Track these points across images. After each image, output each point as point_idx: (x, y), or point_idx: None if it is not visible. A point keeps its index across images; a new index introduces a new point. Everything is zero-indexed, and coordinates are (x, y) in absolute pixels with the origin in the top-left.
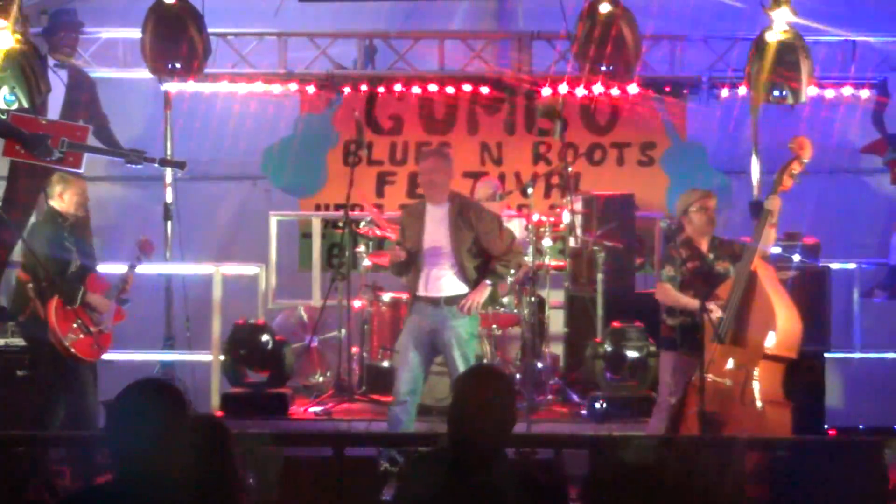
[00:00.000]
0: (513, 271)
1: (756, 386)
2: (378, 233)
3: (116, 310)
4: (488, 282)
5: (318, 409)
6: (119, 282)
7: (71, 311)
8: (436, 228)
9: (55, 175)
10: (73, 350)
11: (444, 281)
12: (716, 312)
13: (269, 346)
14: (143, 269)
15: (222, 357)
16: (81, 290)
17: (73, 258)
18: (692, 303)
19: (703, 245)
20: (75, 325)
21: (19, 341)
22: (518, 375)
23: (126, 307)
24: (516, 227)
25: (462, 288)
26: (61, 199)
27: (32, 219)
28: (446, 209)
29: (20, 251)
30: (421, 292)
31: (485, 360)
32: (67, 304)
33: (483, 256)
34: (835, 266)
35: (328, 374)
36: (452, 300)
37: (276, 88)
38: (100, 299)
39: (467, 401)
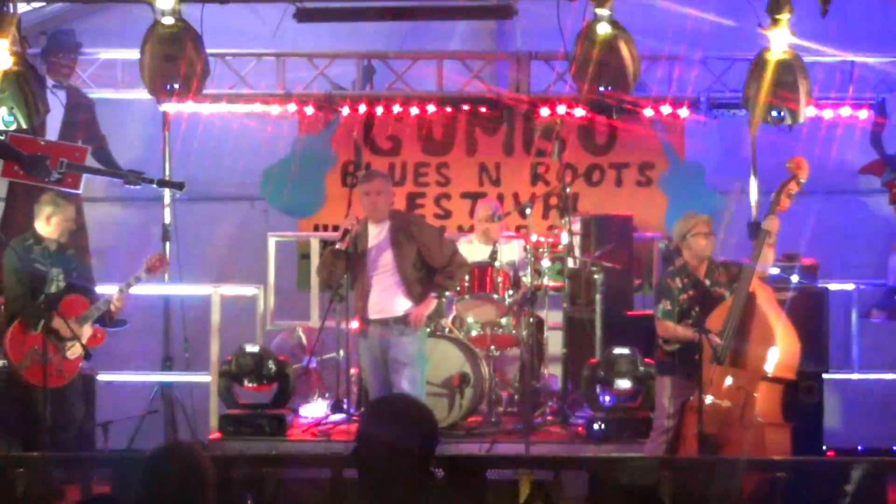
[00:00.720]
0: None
1: (755, 407)
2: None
3: (93, 332)
4: (433, 294)
5: (316, 430)
6: (102, 304)
7: (31, 335)
8: (378, 247)
9: (46, 196)
10: (24, 376)
11: (391, 300)
12: (716, 341)
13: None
14: (142, 289)
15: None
16: (46, 315)
17: (46, 281)
18: (693, 335)
19: (701, 270)
20: (30, 351)
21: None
22: (517, 396)
23: (123, 327)
24: (515, 247)
25: (408, 305)
26: (47, 222)
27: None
28: (387, 227)
29: None
30: (370, 315)
31: (483, 382)
32: (30, 329)
33: (427, 270)
34: (833, 287)
35: (327, 395)
36: (400, 319)
37: (275, 109)
38: (68, 325)
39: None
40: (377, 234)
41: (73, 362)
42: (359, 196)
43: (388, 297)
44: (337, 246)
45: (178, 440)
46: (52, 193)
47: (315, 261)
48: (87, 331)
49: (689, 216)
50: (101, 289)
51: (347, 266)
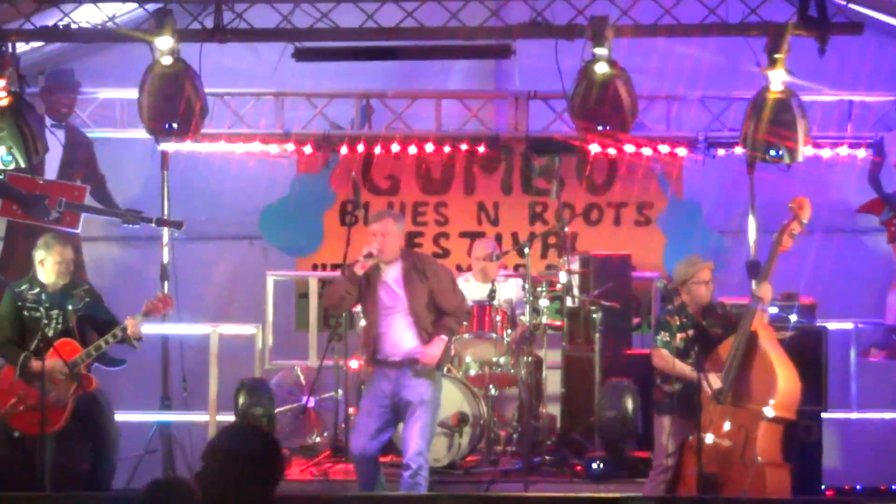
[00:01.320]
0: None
1: (756, 447)
2: None
3: (83, 380)
4: (444, 336)
5: (315, 469)
6: (92, 349)
7: (17, 382)
8: (390, 287)
9: (40, 239)
10: (10, 424)
11: (403, 341)
12: (716, 383)
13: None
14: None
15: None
16: (26, 362)
17: (39, 326)
18: (690, 372)
19: (699, 312)
20: (16, 398)
21: None
22: (515, 436)
23: (121, 367)
24: (513, 286)
25: (419, 346)
26: (42, 265)
27: None
28: (399, 266)
29: None
30: (381, 356)
31: (482, 421)
32: (15, 374)
33: (437, 313)
34: (832, 326)
35: (325, 434)
36: (415, 361)
37: (273, 148)
38: (53, 371)
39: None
40: (389, 273)
41: (61, 411)
42: (368, 235)
43: (400, 339)
44: (357, 269)
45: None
46: (45, 236)
47: (314, 300)
48: (77, 377)
49: (692, 262)
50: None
51: (357, 299)
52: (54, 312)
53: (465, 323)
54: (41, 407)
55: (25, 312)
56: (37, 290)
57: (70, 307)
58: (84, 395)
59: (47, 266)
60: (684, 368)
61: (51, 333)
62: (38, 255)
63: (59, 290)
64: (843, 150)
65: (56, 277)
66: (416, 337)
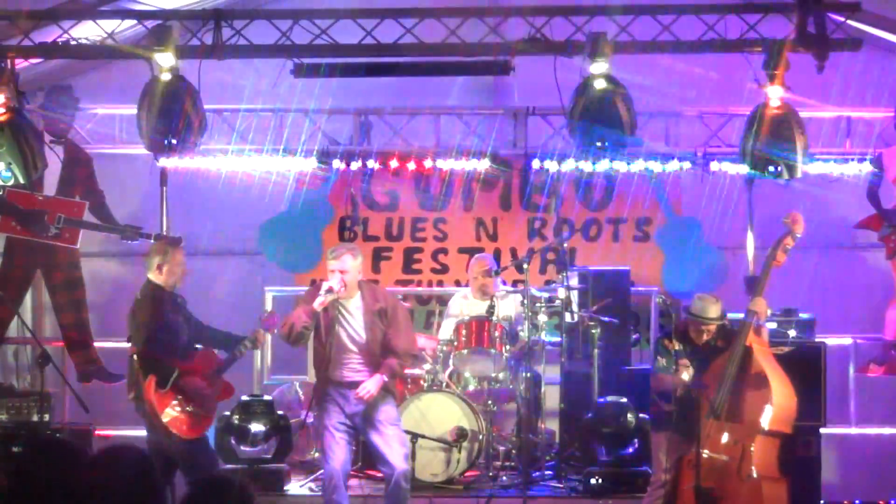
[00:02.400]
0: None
1: (752, 461)
2: None
3: (223, 386)
4: (385, 377)
5: (313, 485)
6: (229, 360)
7: (166, 393)
8: (351, 327)
9: (157, 244)
10: (169, 427)
11: (358, 368)
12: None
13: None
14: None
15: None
16: (174, 373)
17: (177, 336)
18: (679, 379)
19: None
20: (175, 402)
21: (16, 417)
22: (514, 451)
23: (119, 382)
24: (511, 302)
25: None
26: (159, 271)
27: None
28: (359, 301)
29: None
30: (337, 378)
31: (480, 437)
32: (159, 387)
33: (387, 350)
34: (830, 341)
35: None
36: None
37: (272, 164)
38: (196, 383)
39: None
40: (349, 310)
41: (210, 416)
42: (329, 268)
43: (355, 367)
44: (317, 306)
45: (222, 472)
46: (159, 242)
47: None
48: (218, 384)
49: (709, 308)
50: (98, 344)
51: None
52: (180, 318)
53: (411, 367)
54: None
55: (170, 317)
56: (166, 296)
57: (189, 313)
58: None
59: (165, 271)
60: (675, 378)
61: (187, 340)
62: (156, 259)
63: (175, 296)
64: (842, 166)
65: (172, 284)
66: (371, 368)
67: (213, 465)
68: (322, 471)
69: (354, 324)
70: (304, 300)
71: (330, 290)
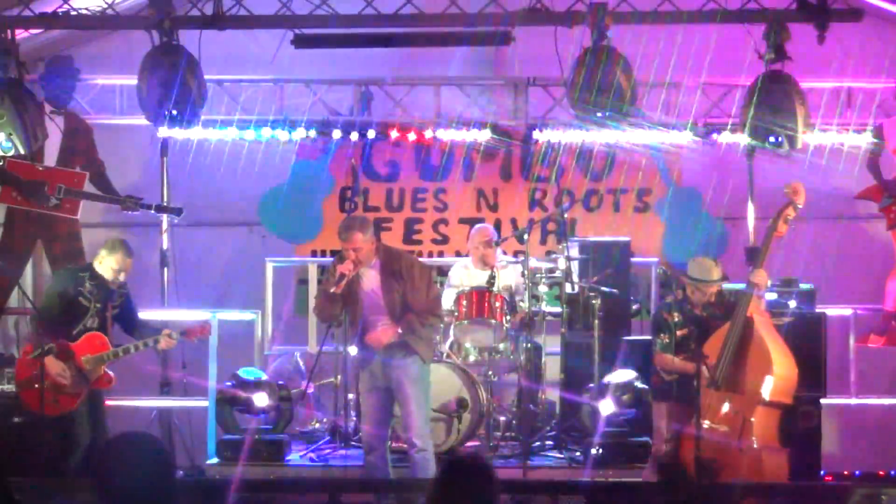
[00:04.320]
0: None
1: (752, 431)
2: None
3: (104, 375)
4: (400, 331)
5: (314, 455)
6: (120, 351)
7: (34, 361)
8: (371, 293)
9: (110, 240)
10: (21, 397)
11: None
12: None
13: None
14: (140, 315)
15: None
16: (47, 348)
17: (85, 315)
18: (689, 366)
19: (699, 307)
20: (31, 376)
21: (13, 387)
22: (514, 421)
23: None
24: (512, 273)
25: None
26: (100, 262)
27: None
28: (376, 270)
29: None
30: (369, 351)
31: (481, 407)
32: (27, 356)
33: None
34: (830, 312)
35: (325, 420)
36: (400, 345)
37: (272, 135)
38: (63, 365)
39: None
40: (367, 278)
41: (73, 398)
42: (343, 248)
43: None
44: (332, 290)
45: (472, 453)
46: (115, 240)
47: (313, 286)
48: (96, 371)
49: (708, 270)
50: None
51: (343, 305)
52: (97, 306)
53: (430, 332)
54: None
55: (82, 299)
56: (95, 282)
57: (109, 303)
58: (98, 390)
59: (104, 265)
60: (686, 366)
61: (93, 325)
62: (101, 252)
63: (108, 287)
64: (843, 137)
65: (111, 278)
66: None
67: (62, 450)
68: (324, 440)
69: (375, 295)
70: (323, 283)
71: (343, 276)
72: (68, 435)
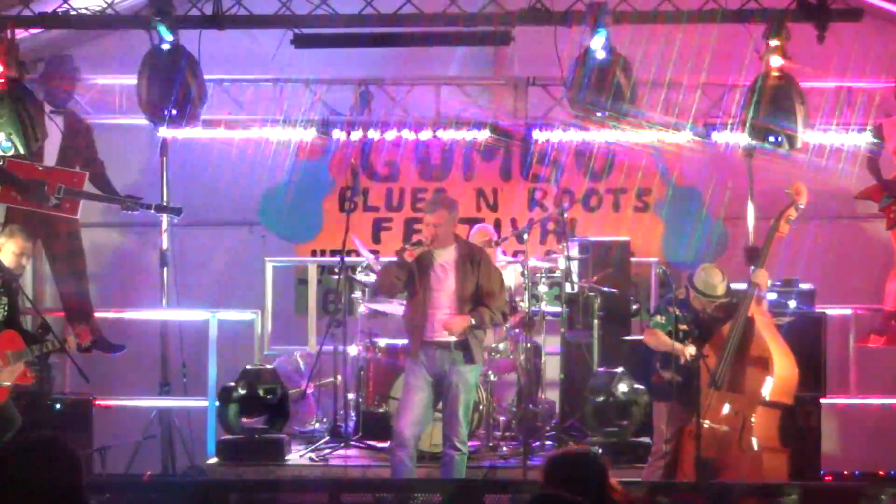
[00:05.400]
0: (498, 324)
1: (753, 431)
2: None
3: (23, 371)
4: (472, 319)
5: (314, 455)
6: (47, 344)
7: None
8: (443, 270)
9: (6, 227)
10: None
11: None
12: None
13: (269, 391)
14: (140, 315)
15: (217, 403)
16: None
17: None
18: (678, 348)
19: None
20: None
21: None
22: (514, 421)
23: (120, 353)
24: (511, 273)
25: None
26: (1, 251)
27: None
28: (453, 254)
29: None
30: (428, 336)
31: (481, 407)
32: None
33: (478, 304)
34: (830, 312)
35: (324, 420)
36: (460, 345)
37: (272, 134)
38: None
39: None
40: (441, 257)
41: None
42: (425, 221)
43: (442, 321)
44: (406, 256)
45: (579, 448)
46: (10, 225)
47: (313, 286)
48: (18, 368)
49: (714, 285)
50: (99, 314)
51: (408, 282)
52: (5, 300)
53: (504, 325)
54: None
55: None
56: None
57: (16, 296)
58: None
59: (6, 253)
60: (674, 345)
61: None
62: (5, 242)
63: (13, 277)
64: (842, 137)
65: (15, 264)
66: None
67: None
68: (324, 440)
69: (446, 273)
70: (398, 252)
71: (419, 242)
72: None
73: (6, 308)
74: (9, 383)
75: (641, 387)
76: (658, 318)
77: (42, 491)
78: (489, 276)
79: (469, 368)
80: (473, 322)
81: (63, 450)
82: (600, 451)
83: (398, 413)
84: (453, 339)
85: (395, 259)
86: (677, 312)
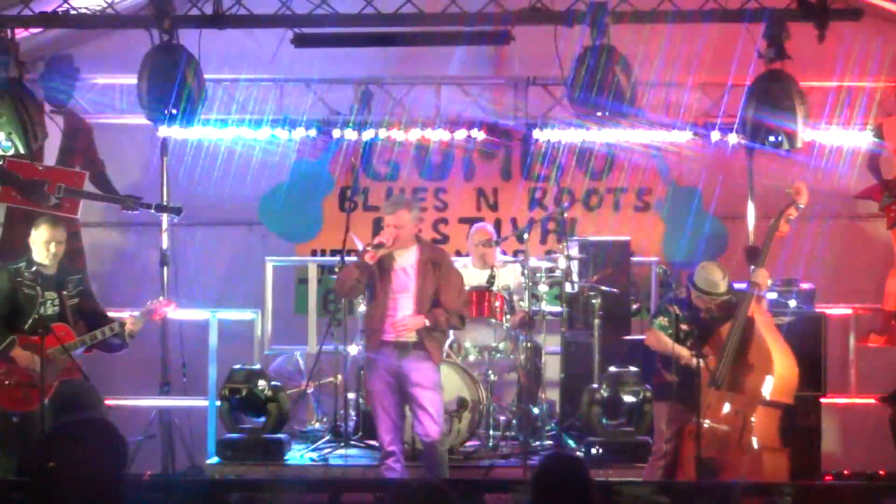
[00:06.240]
0: (451, 328)
1: (753, 431)
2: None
3: (69, 366)
4: (427, 321)
5: (314, 454)
6: (87, 338)
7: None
8: (403, 271)
9: (39, 219)
10: None
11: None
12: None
13: (266, 391)
14: None
15: (218, 402)
16: (6, 343)
17: (35, 304)
18: (683, 351)
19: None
20: (1, 372)
21: None
22: (514, 421)
23: (121, 352)
24: (511, 272)
25: (421, 334)
26: (35, 246)
27: None
28: (414, 255)
29: None
30: (386, 337)
31: (481, 406)
32: None
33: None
34: (831, 311)
35: (324, 419)
36: (418, 345)
37: (272, 134)
38: (30, 357)
39: None
40: (403, 259)
41: (36, 395)
42: (385, 222)
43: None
44: (367, 258)
45: (563, 452)
46: (40, 218)
47: (313, 286)
48: (63, 362)
49: (716, 284)
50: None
51: (366, 286)
52: (50, 294)
53: (456, 327)
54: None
55: (25, 289)
56: (34, 269)
57: (65, 292)
58: (69, 381)
59: (40, 247)
60: (680, 350)
61: (47, 314)
62: (33, 235)
63: (55, 274)
64: (843, 136)
65: (51, 260)
66: (415, 334)
67: (44, 445)
68: (324, 439)
69: (407, 275)
70: (357, 255)
71: (380, 244)
72: (32, 432)
73: (55, 304)
74: (53, 383)
75: (645, 386)
76: (660, 319)
77: (90, 473)
78: (449, 279)
79: (428, 366)
80: (427, 323)
81: (113, 434)
82: (600, 450)
83: (375, 423)
84: (412, 339)
85: (354, 260)
86: (678, 312)
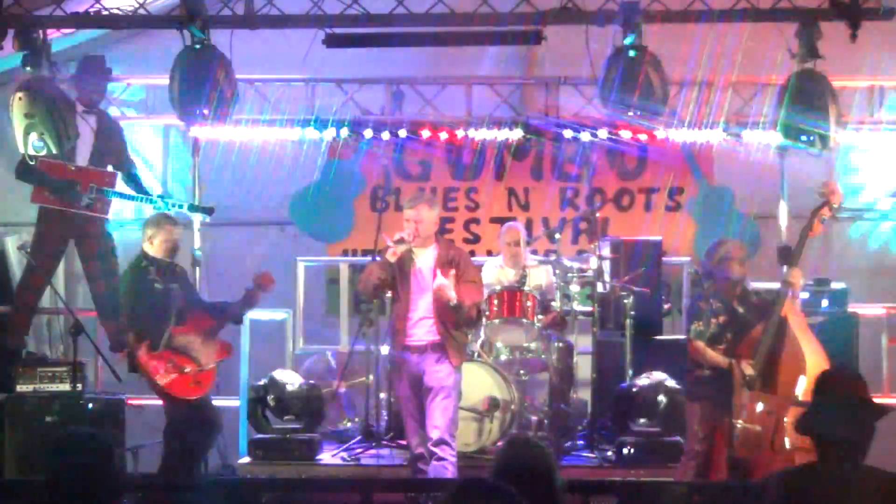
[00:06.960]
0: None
1: (786, 432)
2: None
3: (220, 346)
4: (454, 300)
5: (345, 454)
6: (231, 313)
7: (163, 353)
8: (421, 270)
9: (152, 217)
10: (166, 389)
11: (427, 326)
12: (748, 369)
13: (298, 391)
14: None
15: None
16: (165, 334)
17: (171, 298)
18: (723, 361)
19: (733, 296)
20: (169, 365)
21: (49, 387)
22: (546, 421)
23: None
24: (543, 272)
25: (442, 333)
26: (150, 242)
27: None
28: (432, 255)
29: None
30: (408, 341)
31: (512, 406)
32: (151, 350)
33: None
34: (863, 311)
35: (356, 419)
36: (437, 346)
37: (303, 134)
38: (190, 339)
39: None
40: (421, 259)
41: (209, 373)
42: (405, 216)
43: (425, 323)
44: (389, 256)
45: (525, 435)
46: (156, 215)
47: (345, 285)
48: (213, 345)
49: (722, 241)
50: None
51: (389, 285)
52: (174, 285)
53: (473, 319)
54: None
55: (156, 286)
56: (156, 266)
57: (184, 282)
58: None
59: (156, 243)
60: (717, 358)
61: (182, 305)
62: (148, 231)
63: (168, 265)
64: (875, 136)
65: (164, 254)
66: (434, 325)
67: (216, 426)
68: (356, 439)
69: (424, 276)
70: (378, 256)
71: (401, 241)
72: (208, 416)
73: (183, 293)
74: (213, 364)
75: (677, 386)
76: (695, 325)
77: (79, 478)
78: (467, 277)
79: (444, 369)
80: (453, 301)
81: (95, 441)
82: (632, 450)
83: (404, 426)
84: (430, 339)
85: (377, 259)
86: (712, 305)
